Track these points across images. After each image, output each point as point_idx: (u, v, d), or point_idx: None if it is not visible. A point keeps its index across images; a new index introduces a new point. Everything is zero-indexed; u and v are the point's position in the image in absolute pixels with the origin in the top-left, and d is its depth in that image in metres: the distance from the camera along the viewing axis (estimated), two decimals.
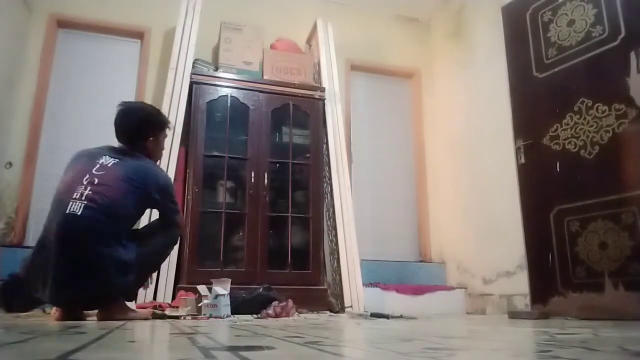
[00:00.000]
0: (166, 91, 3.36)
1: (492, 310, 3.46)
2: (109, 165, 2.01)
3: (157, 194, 2.08)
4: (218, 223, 3.27)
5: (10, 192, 3.35)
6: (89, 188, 1.92)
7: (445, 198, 4.19)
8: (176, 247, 3.06)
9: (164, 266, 3.00)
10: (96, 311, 2.03)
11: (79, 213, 1.86)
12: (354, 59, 4.40)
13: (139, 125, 2.17)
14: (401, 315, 2.59)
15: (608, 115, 2.46)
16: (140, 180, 2.02)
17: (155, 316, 2.21)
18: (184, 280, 2.99)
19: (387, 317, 2.50)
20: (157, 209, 2.20)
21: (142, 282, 2.24)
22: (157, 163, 2.44)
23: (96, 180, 1.95)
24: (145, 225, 2.53)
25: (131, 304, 2.27)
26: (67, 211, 1.86)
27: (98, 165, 2.00)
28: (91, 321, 1.91)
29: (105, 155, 2.05)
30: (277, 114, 3.59)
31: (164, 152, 3.17)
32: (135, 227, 2.25)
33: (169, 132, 2.45)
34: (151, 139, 2.20)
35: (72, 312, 1.99)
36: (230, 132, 3.46)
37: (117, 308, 2.00)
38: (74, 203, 1.88)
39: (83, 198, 1.89)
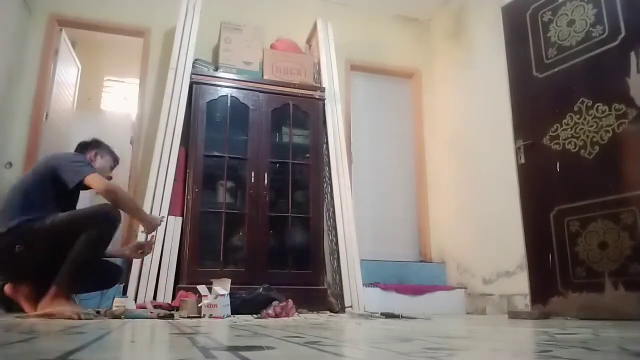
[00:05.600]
0: (166, 91, 3.36)
1: (492, 310, 3.45)
2: None
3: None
4: (218, 223, 3.27)
5: None
6: None
7: (445, 198, 4.19)
8: (176, 247, 3.07)
9: (164, 266, 3.00)
10: None
11: None
12: (354, 59, 4.40)
13: None
14: (400, 315, 2.59)
15: (608, 115, 2.46)
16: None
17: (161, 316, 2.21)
18: (184, 280, 2.99)
19: (398, 317, 2.50)
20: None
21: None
22: None
23: None
24: None
25: None
26: None
27: None
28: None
29: None
30: (277, 114, 3.59)
31: (163, 152, 3.21)
32: None
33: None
34: None
35: None
36: (230, 132, 3.46)
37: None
38: None
39: None
